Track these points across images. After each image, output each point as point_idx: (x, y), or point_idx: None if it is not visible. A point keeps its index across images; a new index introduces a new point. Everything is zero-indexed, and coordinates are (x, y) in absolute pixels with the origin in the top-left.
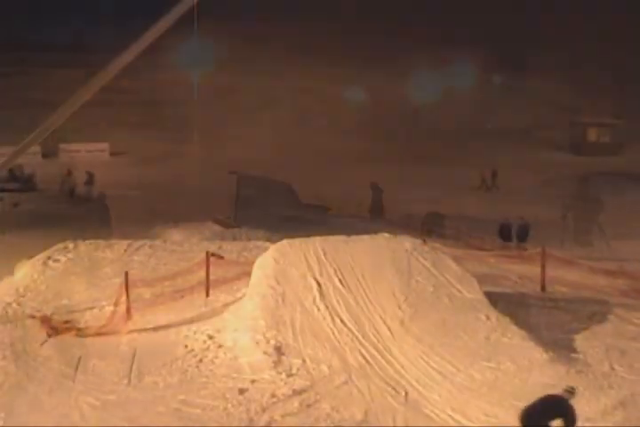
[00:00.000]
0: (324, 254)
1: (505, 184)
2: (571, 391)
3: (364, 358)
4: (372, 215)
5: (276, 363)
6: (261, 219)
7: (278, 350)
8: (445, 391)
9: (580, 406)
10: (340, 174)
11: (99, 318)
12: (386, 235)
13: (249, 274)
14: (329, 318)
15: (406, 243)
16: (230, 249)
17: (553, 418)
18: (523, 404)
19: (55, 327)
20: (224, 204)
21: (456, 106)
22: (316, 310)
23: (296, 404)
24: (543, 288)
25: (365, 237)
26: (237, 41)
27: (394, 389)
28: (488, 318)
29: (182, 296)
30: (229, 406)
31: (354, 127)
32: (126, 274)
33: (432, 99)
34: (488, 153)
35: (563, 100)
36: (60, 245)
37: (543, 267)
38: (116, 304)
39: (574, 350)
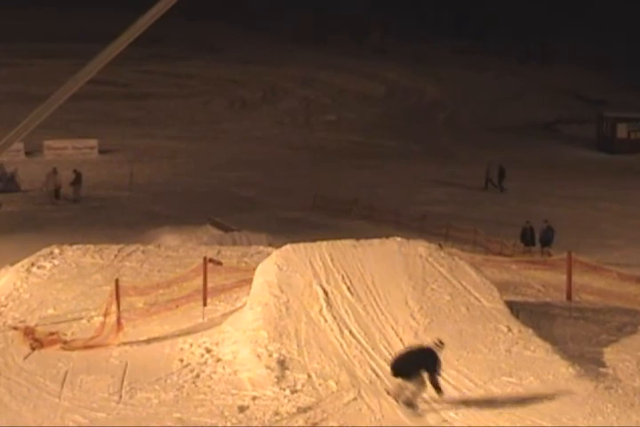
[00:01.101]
0: (331, 260)
1: (525, 184)
2: (439, 344)
3: (375, 372)
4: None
5: (280, 378)
6: (263, 221)
7: (282, 364)
8: (463, 409)
9: (609, 423)
10: (344, 173)
11: (87, 330)
12: (398, 239)
13: (250, 281)
14: (337, 330)
15: (420, 248)
16: (230, 254)
17: (420, 367)
18: (547, 422)
19: (39, 340)
20: (223, 205)
21: (474, 99)
22: (322, 320)
23: (301, 422)
24: (569, 297)
25: (376, 241)
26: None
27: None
28: (509, 329)
29: (177, 306)
30: (228, 424)
31: (364, 122)
32: (117, 281)
33: (449, 91)
34: (506, 150)
35: (590, 93)
36: (45, 251)
37: (569, 274)
38: (105, 314)
39: (603, 365)
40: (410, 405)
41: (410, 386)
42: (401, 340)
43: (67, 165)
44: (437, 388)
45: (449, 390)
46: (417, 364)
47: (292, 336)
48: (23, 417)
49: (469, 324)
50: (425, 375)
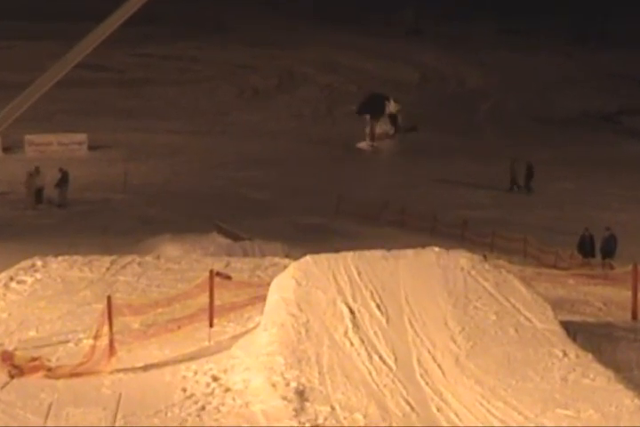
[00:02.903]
0: (358, 274)
1: (583, 185)
2: None
3: (409, 404)
4: None
5: (298, 411)
6: (278, 229)
7: (300, 394)
8: None
9: None
10: (372, 172)
11: (74, 355)
12: (436, 249)
13: (263, 299)
14: (364, 355)
15: (461, 259)
16: (240, 267)
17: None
18: None
19: (19, 366)
20: (232, 209)
21: (522, 86)
22: (347, 343)
23: None
24: (635, 316)
25: (410, 251)
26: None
27: None
28: (565, 353)
29: (180, 327)
30: None
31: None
32: (109, 299)
33: (492, 77)
34: (559, 144)
35: None
36: (26, 263)
37: (635, 289)
38: (96, 337)
39: None
40: None
41: None
42: (439, 366)
43: (51, 164)
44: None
45: (494, 424)
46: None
47: (312, 362)
48: None
49: (519, 348)
50: None
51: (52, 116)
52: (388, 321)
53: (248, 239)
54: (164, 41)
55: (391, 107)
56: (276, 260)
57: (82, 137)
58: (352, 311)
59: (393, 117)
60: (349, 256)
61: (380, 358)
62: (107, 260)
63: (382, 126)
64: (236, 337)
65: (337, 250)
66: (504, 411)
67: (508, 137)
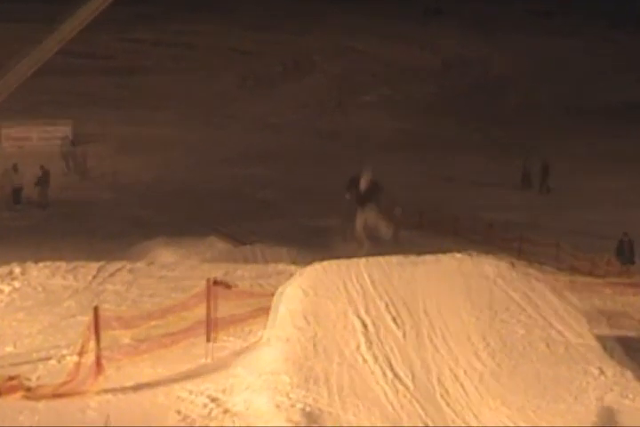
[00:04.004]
0: (372, 283)
1: (624, 183)
2: None
3: None
4: None
5: None
6: (284, 232)
7: (308, 416)
8: None
9: None
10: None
11: (57, 373)
12: (458, 255)
13: (267, 310)
14: (379, 373)
15: (487, 266)
16: (241, 275)
17: None
18: None
19: None
20: (232, 211)
21: (555, 74)
22: (360, 360)
23: None
24: None
25: (430, 257)
26: None
27: None
28: (602, 371)
29: (174, 342)
30: None
31: (414, 105)
32: (96, 310)
33: (522, 64)
34: (597, 139)
35: None
36: (3, 270)
37: None
38: (81, 353)
39: None
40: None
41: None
42: (462, 386)
43: (31, 160)
44: None
45: None
46: None
47: (321, 381)
48: None
49: (550, 365)
50: None
51: (31, 107)
52: (404, 335)
53: (250, 244)
54: (156, 24)
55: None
56: (282, 267)
57: (65, 130)
58: (365, 325)
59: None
60: (362, 263)
61: (396, 376)
62: (93, 266)
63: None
64: (236, 353)
65: (348, 256)
66: None
67: (538, 131)
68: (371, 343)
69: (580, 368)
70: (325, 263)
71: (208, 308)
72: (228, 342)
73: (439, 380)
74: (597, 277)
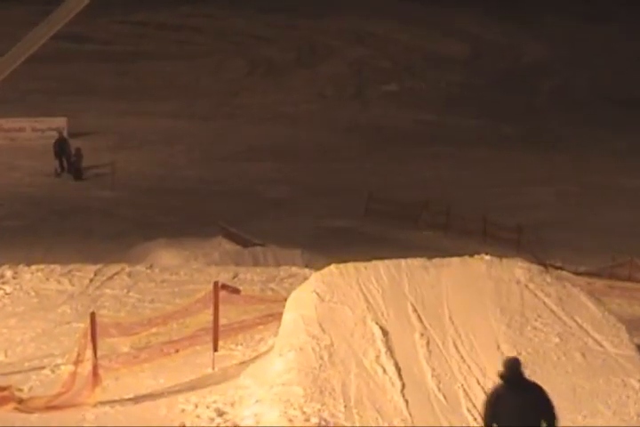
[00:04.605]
0: (393, 287)
1: None
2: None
3: None
4: None
5: None
6: (297, 232)
7: None
8: None
9: None
10: (409, 165)
11: (51, 384)
12: (486, 257)
13: (279, 317)
14: (399, 384)
15: (517, 270)
16: (250, 278)
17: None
18: None
19: None
20: (241, 209)
21: (593, 61)
22: (380, 371)
23: None
24: None
25: (455, 260)
26: None
27: None
28: None
29: (178, 350)
30: None
31: (439, 94)
32: (93, 316)
33: (558, 50)
34: (630, 131)
35: None
36: None
37: None
38: (77, 362)
39: None
40: None
41: None
42: None
43: (23, 154)
44: None
45: None
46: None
47: (337, 393)
48: None
49: (587, 377)
50: None
51: (24, 96)
52: (428, 344)
53: (260, 245)
54: (160, 6)
55: None
56: (294, 270)
57: (60, 122)
58: (385, 332)
59: None
60: (382, 266)
61: (419, 388)
62: (90, 269)
63: None
64: (245, 363)
65: (367, 258)
66: None
67: (575, 123)
68: (391, 353)
69: (618, 381)
70: (342, 266)
71: (214, 314)
72: (235, 350)
73: (466, 393)
74: (637, 282)
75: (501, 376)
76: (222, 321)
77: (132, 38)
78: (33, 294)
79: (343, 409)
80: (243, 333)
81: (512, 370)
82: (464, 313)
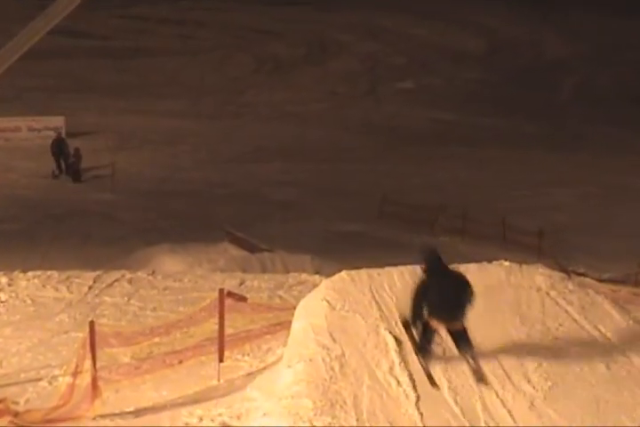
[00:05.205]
0: (407, 295)
1: None
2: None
3: None
4: None
5: None
6: (307, 237)
7: None
8: None
9: None
10: (425, 166)
11: (48, 396)
12: (505, 263)
13: (287, 326)
14: (413, 397)
15: (538, 276)
16: (258, 286)
17: None
18: None
19: None
20: (248, 213)
21: (618, 57)
22: (394, 383)
23: None
24: None
25: (472, 266)
26: None
27: None
28: None
29: (181, 361)
30: None
31: (456, 92)
32: (92, 325)
33: (580, 46)
34: None
35: None
36: None
37: None
38: (75, 374)
39: None
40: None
41: None
42: (509, 412)
43: (19, 154)
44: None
45: None
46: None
47: (348, 406)
48: None
49: (611, 389)
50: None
51: (20, 94)
52: (444, 354)
53: (268, 250)
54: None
55: None
56: (304, 277)
57: (58, 121)
58: (399, 342)
59: None
60: (396, 272)
61: (435, 401)
62: (89, 276)
63: None
64: (252, 375)
65: (380, 264)
66: None
67: (597, 121)
68: (405, 364)
69: None
70: (354, 272)
71: (220, 323)
72: (241, 361)
73: (484, 405)
74: None
75: (425, 270)
76: (228, 330)
77: (133, 33)
78: (29, 302)
79: (355, 423)
80: (249, 343)
81: (432, 261)
82: (482, 322)
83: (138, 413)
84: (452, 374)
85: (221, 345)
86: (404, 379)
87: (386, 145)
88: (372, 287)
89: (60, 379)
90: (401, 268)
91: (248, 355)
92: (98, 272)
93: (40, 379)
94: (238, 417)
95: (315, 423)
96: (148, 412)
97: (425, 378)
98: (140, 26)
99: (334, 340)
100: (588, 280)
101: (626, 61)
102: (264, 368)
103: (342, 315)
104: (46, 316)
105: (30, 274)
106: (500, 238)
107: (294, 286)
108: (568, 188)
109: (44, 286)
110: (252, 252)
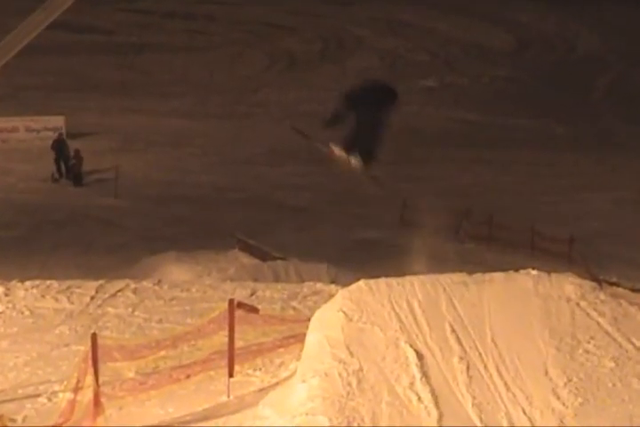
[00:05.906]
0: (429, 305)
1: None
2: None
3: None
4: None
5: None
6: (322, 245)
7: None
8: None
9: None
10: (448, 169)
11: (48, 413)
12: (533, 272)
13: (301, 339)
14: (435, 414)
15: (568, 286)
16: (270, 296)
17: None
18: None
19: None
20: (260, 219)
21: None
22: (414, 399)
23: None
24: None
25: (498, 275)
26: None
27: None
28: None
29: (189, 376)
30: None
31: (482, 91)
32: (94, 338)
33: (614, 42)
34: None
35: None
36: None
37: None
38: (76, 389)
39: None
40: None
41: None
42: None
43: (17, 156)
44: None
45: None
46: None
47: (366, 424)
48: None
49: None
50: None
51: (18, 93)
52: (468, 369)
53: (281, 259)
54: None
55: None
56: (319, 286)
57: (58, 121)
58: (420, 356)
59: None
60: (417, 282)
61: (458, 418)
62: (91, 286)
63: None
64: (264, 390)
65: (400, 274)
66: None
67: (633, 121)
68: (427, 378)
69: None
70: (372, 282)
71: (230, 335)
72: (253, 376)
73: (510, 422)
74: None
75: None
76: (239, 343)
77: (137, 28)
78: (27, 313)
79: None
80: (261, 356)
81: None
82: (508, 334)
83: None
84: (477, 389)
85: (231, 359)
86: (426, 395)
87: (407, 147)
88: (392, 298)
89: (61, 395)
90: (422, 277)
91: (260, 369)
92: (100, 282)
93: (39, 395)
94: None
95: None
96: None
97: (448, 394)
98: (145, 20)
99: (351, 353)
100: (620, 290)
101: None
102: (276, 384)
103: (360, 327)
104: (45, 328)
105: (28, 284)
106: (528, 246)
107: (309, 297)
108: (601, 192)
109: (43, 296)
110: (264, 260)
